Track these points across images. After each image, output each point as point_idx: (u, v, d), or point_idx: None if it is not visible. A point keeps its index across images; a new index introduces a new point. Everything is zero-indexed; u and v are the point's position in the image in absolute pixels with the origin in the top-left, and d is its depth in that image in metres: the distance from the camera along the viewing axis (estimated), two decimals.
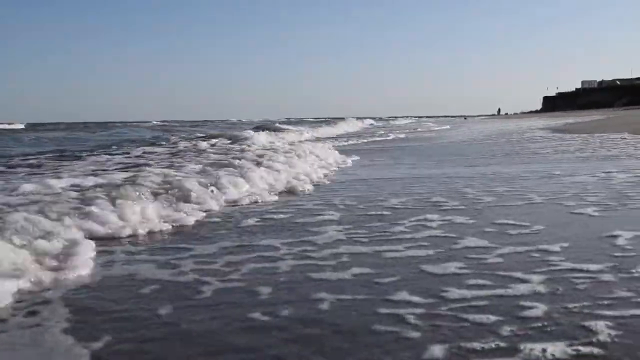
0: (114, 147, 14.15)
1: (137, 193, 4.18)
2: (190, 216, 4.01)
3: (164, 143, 14.83)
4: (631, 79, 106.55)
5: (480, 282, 2.45)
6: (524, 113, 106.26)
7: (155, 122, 63.55)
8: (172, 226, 3.79)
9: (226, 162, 6.52)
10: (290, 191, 5.34)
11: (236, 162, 6.36)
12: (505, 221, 3.75)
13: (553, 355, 1.70)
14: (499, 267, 2.67)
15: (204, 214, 4.19)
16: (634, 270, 2.54)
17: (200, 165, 6.50)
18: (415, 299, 2.24)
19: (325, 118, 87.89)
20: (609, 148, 10.24)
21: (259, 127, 23.04)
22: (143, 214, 3.86)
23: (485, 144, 13.86)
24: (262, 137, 14.67)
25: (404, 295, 2.28)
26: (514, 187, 5.35)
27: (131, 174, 5.63)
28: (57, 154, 11.39)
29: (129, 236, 3.51)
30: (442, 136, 19.77)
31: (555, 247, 3.00)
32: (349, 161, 8.84)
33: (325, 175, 6.73)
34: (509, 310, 2.09)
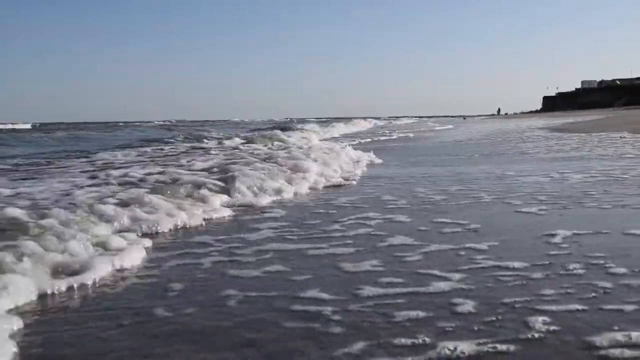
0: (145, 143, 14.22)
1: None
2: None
3: (173, 141, 14.89)
4: (631, 78, 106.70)
5: (395, 280, 2.42)
6: (524, 113, 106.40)
7: (157, 122, 63.84)
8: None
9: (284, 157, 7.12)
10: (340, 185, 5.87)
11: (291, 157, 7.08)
12: (443, 220, 3.72)
13: (463, 352, 1.69)
14: (418, 265, 2.65)
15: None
16: (560, 268, 2.52)
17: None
18: (325, 295, 2.24)
19: (326, 118, 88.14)
20: (605, 147, 10.05)
21: (276, 127, 23.09)
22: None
23: (482, 143, 13.62)
24: (296, 137, 15.20)
25: (313, 293, 2.28)
26: (468, 187, 5.30)
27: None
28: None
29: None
30: (441, 136, 19.66)
31: (483, 246, 2.96)
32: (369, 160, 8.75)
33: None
34: (418, 307, 2.07)
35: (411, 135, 21.07)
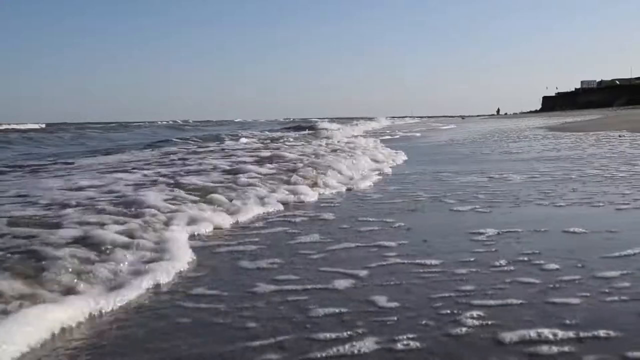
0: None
1: None
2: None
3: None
4: (630, 78, 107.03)
5: (292, 277, 2.41)
6: (523, 113, 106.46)
7: (160, 123, 64.23)
8: None
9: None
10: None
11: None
12: (367, 219, 3.68)
13: (359, 350, 1.68)
14: (321, 263, 2.62)
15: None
16: (485, 265, 2.48)
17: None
18: (215, 292, 2.25)
19: (328, 118, 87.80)
20: (599, 146, 9.73)
21: (298, 127, 23.16)
22: None
23: (476, 142, 13.17)
24: (339, 134, 15.80)
25: (202, 290, 2.28)
26: (406, 186, 5.31)
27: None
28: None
29: None
30: (440, 135, 19.26)
31: (394, 243, 2.92)
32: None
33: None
34: (317, 303, 2.07)
35: (418, 134, 21.00)
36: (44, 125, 48.29)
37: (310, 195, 4.74)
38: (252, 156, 8.13)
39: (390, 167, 7.38)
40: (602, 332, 1.76)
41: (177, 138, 15.80)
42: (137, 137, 23.61)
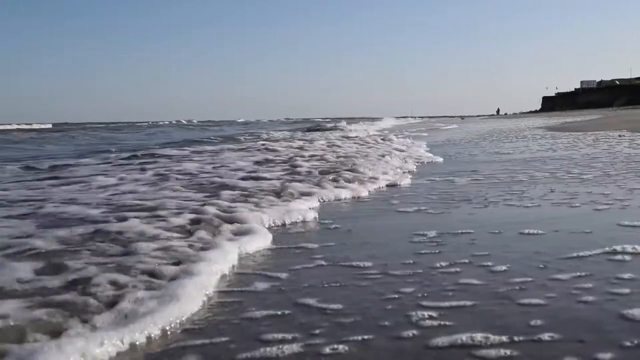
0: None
1: None
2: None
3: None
4: (630, 78, 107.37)
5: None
6: (523, 113, 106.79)
7: (163, 122, 64.81)
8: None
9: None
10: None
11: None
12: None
13: (291, 350, 1.64)
14: (237, 265, 2.54)
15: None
16: (425, 267, 2.40)
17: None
18: None
19: (330, 118, 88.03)
20: (596, 146, 9.55)
21: (310, 128, 23.41)
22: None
23: (472, 142, 13.01)
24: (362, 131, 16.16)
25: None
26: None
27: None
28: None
29: None
30: (438, 136, 19.16)
31: (315, 245, 2.84)
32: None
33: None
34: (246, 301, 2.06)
35: (425, 134, 21.04)
36: (50, 125, 48.74)
37: (361, 191, 4.92)
38: (300, 155, 8.48)
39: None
40: (565, 335, 1.69)
41: (213, 137, 15.85)
42: (152, 138, 23.36)
